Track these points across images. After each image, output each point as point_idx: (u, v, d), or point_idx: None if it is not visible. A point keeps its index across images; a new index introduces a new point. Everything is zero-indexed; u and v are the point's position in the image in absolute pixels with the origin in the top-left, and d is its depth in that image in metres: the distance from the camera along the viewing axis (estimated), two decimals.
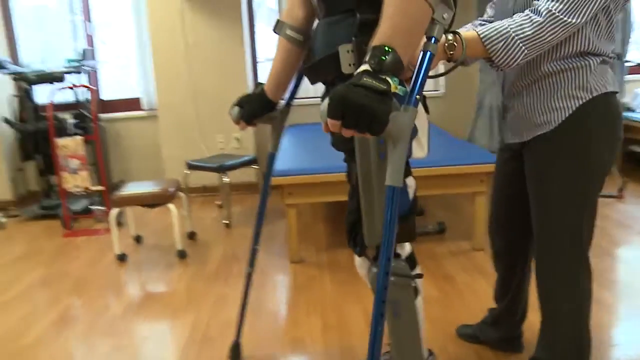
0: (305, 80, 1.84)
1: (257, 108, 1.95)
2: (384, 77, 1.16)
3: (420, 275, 1.68)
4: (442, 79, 5.58)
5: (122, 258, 3.66)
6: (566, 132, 1.67)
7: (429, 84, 5.55)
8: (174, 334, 2.61)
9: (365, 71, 1.17)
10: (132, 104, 5.62)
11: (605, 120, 1.67)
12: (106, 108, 5.61)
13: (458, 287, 2.90)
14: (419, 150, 1.62)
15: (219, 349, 2.44)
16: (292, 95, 2.06)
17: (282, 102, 2.03)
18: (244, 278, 3.14)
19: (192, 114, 5.18)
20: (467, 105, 5.49)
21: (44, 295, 3.18)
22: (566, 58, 1.63)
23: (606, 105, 1.66)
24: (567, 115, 1.65)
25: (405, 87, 1.23)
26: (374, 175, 1.55)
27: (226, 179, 4.29)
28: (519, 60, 1.52)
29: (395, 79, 1.18)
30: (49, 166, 4.87)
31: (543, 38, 1.50)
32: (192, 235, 4.06)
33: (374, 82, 1.15)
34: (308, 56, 1.82)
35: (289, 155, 3.77)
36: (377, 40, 1.22)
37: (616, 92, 1.68)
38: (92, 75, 5.50)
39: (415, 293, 1.68)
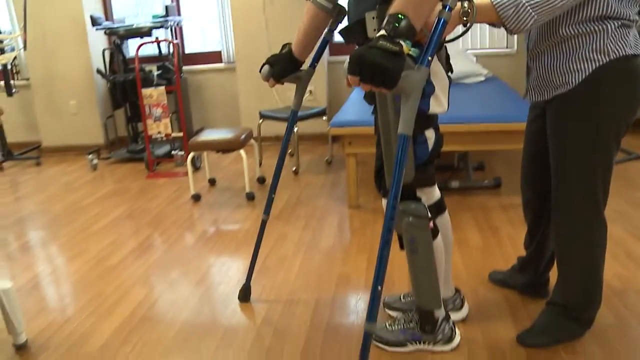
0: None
1: (285, 67, 2.12)
2: (397, 40, 1.35)
3: (432, 218, 1.84)
4: (514, 38, 5.52)
5: (196, 198, 4.00)
6: (583, 93, 1.76)
7: (500, 42, 5.52)
8: (236, 263, 2.91)
9: (381, 35, 1.38)
10: (213, 57, 5.94)
11: (623, 83, 1.75)
12: (188, 60, 5.96)
13: (501, 238, 3.02)
14: (437, 106, 1.77)
15: (272, 278, 2.72)
16: (317, 58, 2.20)
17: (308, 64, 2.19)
18: (299, 220, 3.41)
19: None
20: None
21: (127, 226, 3.57)
22: (585, 22, 1.71)
23: (625, 67, 1.73)
24: (584, 77, 1.74)
25: (419, 49, 1.40)
26: (392, 127, 1.72)
27: (297, 129, 4.53)
28: (529, 25, 1.62)
29: (408, 42, 1.37)
30: (136, 114, 5.29)
31: (552, 4, 1.59)
32: (261, 180, 4.35)
33: (388, 44, 1.35)
34: (341, 21, 2.00)
35: (350, 108, 3.95)
36: (392, 9, 1.41)
37: (638, 55, 1.75)
38: (177, 30, 5.84)
39: (433, 234, 1.85)
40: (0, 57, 5.23)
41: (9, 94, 5.45)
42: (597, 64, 1.72)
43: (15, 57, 5.55)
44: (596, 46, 1.72)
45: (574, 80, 1.76)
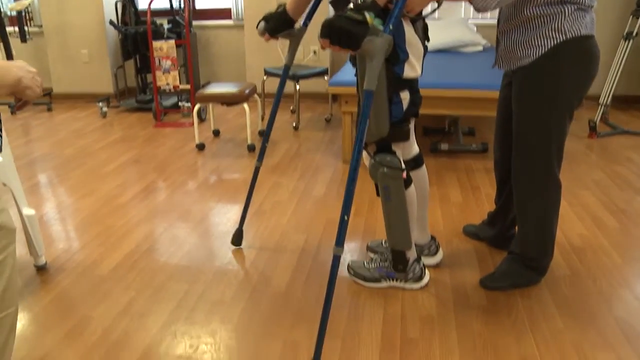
0: None
1: (279, 24, 2.31)
2: (362, 12, 1.64)
3: (405, 169, 2.07)
4: None
5: (200, 147, 4.25)
6: (541, 66, 1.99)
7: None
8: (234, 207, 3.17)
9: (349, 8, 1.68)
10: (223, 13, 6.10)
11: (578, 60, 1.97)
12: (199, 16, 6.13)
13: (479, 196, 3.28)
14: (411, 71, 2.00)
15: (267, 220, 2.98)
16: (309, 17, 2.38)
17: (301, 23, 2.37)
18: (295, 171, 3.65)
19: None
20: None
21: (134, 171, 3.83)
22: (545, 5, 1.93)
23: (580, 46, 1.96)
24: (543, 52, 1.97)
25: (381, 20, 1.67)
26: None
27: (298, 87, 4.74)
28: (492, 6, 1.85)
29: (372, 13, 1.65)
30: (145, 65, 5.50)
31: None
32: (262, 133, 4.59)
33: (353, 14, 1.66)
34: None
35: (348, 69, 4.15)
36: None
37: (592, 35, 1.97)
38: None
39: (406, 184, 2.10)
40: (15, 4, 5.42)
41: (23, 40, 5.64)
42: (555, 42, 1.94)
43: (29, 4, 5.72)
44: (555, 26, 1.94)
45: (534, 54, 1.98)
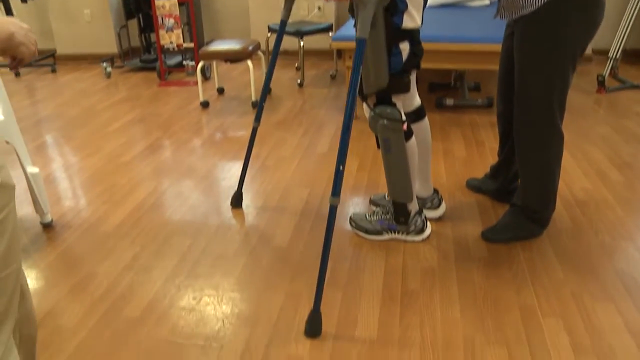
0: None
1: None
2: None
3: (405, 121, 2.06)
4: None
5: (205, 105, 4.24)
6: (543, 14, 1.94)
7: None
8: (238, 163, 3.17)
9: None
10: None
11: (581, 8, 1.92)
12: None
13: (484, 152, 3.26)
14: (410, 21, 1.97)
15: (270, 174, 2.99)
16: None
17: None
18: (300, 127, 3.64)
19: None
20: None
21: (139, 129, 3.83)
22: None
23: None
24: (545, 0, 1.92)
25: None
26: (368, 39, 1.92)
27: (302, 44, 4.69)
28: None
29: None
30: (148, 24, 5.44)
31: None
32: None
33: None
34: None
35: (351, 24, 4.08)
36: None
37: None
38: None
39: (407, 136, 2.09)
40: None
41: (23, 0, 5.59)
42: None
43: None
44: None
45: (536, 2, 1.94)
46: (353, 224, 2.39)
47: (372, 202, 2.60)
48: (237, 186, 2.70)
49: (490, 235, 2.33)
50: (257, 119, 2.55)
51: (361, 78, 2.11)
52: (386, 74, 1.98)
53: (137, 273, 2.16)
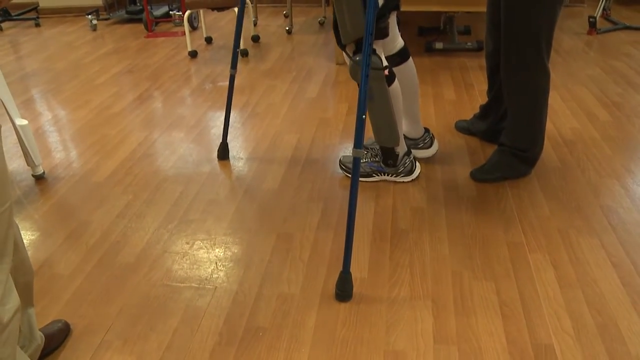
0: None
1: None
2: None
3: (387, 67, 2.03)
4: None
5: (193, 54, 4.20)
6: None
7: None
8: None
9: None
10: None
11: None
12: None
13: (474, 94, 3.26)
14: None
15: (260, 121, 3.00)
16: None
17: None
18: (289, 73, 3.62)
19: None
20: None
21: (127, 80, 3.80)
22: None
23: None
24: None
25: None
26: None
27: None
28: None
29: None
30: None
31: None
32: (255, 39, 4.52)
33: None
34: None
35: None
36: None
37: None
38: None
39: (389, 81, 2.06)
40: None
41: None
42: None
43: None
44: None
45: None
46: (342, 167, 2.41)
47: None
48: (223, 137, 2.67)
49: (478, 175, 2.36)
50: (234, 65, 2.50)
51: (335, 24, 2.05)
52: (362, 21, 1.93)
53: (130, 220, 2.19)
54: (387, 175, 2.33)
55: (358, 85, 2.10)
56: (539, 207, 2.16)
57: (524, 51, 2.08)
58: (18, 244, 1.34)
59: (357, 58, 1.97)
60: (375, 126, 2.16)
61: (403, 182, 2.35)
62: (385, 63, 2.03)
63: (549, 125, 2.80)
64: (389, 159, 2.27)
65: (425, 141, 2.49)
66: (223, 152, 2.65)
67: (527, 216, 2.10)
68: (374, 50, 2.01)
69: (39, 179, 2.55)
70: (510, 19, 2.06)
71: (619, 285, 1.74)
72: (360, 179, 2.35)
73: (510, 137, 2.31)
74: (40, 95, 3.62)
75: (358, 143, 1.72)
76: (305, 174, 2.46)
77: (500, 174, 2.34)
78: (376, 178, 2.35)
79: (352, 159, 2.37)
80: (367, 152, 2.40)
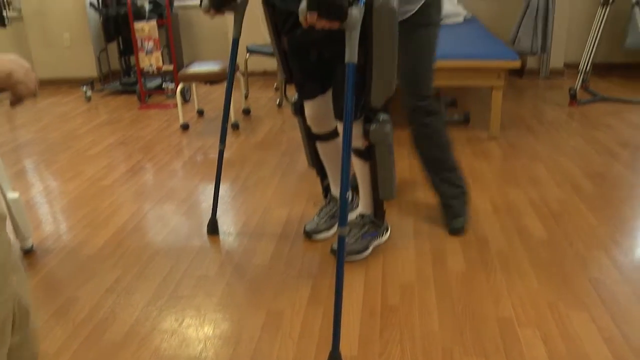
0: None
1: None
2: None
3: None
4: None
5: (185, 127, 4.27)
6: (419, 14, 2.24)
7: None
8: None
9: None
10: None
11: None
12: None
13: (461, 167, 3.30)
14: None
15: (251, 194, 3.03)
16: None
17: None
18: (280, 146, 3.68)
19: (256, 3, 5.58)
20: (518, 7, 5.55)
21: (120, 152, 3.85)
22: None
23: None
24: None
25: None
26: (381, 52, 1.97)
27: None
28: None
29: None
30: (128, 47, 5.48)
31: None
32: (246, 112, 4.61)
33: None
34: None
35: None
36: None
37: None
38: None
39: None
40: None
41: (2, 24, 5.59)
42: None
43: None
44: None
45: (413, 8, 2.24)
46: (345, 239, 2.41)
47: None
48: (212, 213, 2.66)
49: (456, 226, 2.50)
50: (222, 140, 2.51)
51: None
52: (395, 79, 2.02)
53: (119, 296, 2.18)
54: (380, 237, 2.40)
55: (369, 147, 2.14)
56: (528, 280, 2.17)
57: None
58: (28, 316, 1.33)
59: (385, 117, 2.09)
60: (384, 180, 2.21)
61: (385, 240, 2.44)
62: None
63: (536, 196, 2.86)
64: (380, 209, 2.36)
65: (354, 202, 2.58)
66: (212, 228, 2.64)
67: (516, 289, 2.11)
68: (385, 108, 2.09)
69: (28, 252, 2.55)
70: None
71: None
72: (357, 256, 2.35)
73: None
74: (33, 166, 3.66)
75: (342, 221, 1.76)
76: (295, 249, 2.47)
77: (457, 203, 2.52)
78: (371, 248, 2.37)
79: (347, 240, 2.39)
80: (351, 229, 2.38)
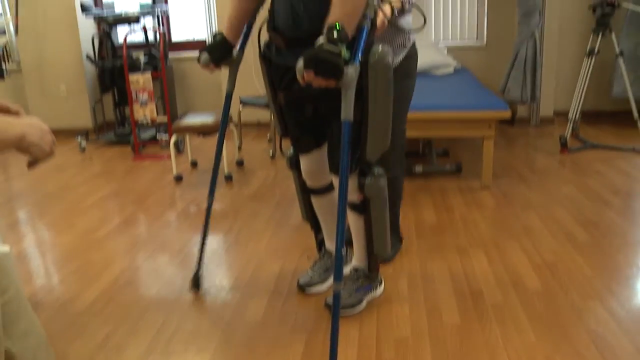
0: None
1: (223, 52, 2.29)
2: (337, 44, 1.70)
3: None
4: (484, 31, 5.79)
5: (178, 179, 4.28)
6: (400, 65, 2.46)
7: (471, 34, 5.80)
8: (212, 238, 3.18)
9: (325, 42, 1.71)
10: (198, 44, 6.17)
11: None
12: (174, 48, 6.20)
13: (454, 218, 3.33)
14: None
15: (243, 247, 3.01)
16: (244, 42, 2.36)
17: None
18: (273, 198, 3.68)
19: (250, 56, 5.67)
20: (507, 56, 5.67)
21: (114, 204, 3.84)
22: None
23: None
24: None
25: (349, 51, 1.75)
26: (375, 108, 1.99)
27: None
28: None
29: (343, 44, 1.71)
30: (123, 99, 5.54)
31: None
32: (239, 163, 4.63)
33: (332, 47, 1.70)
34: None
35: None
36: (330, 19, 1.77)
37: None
38: (163, 18, 6.07)
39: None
40: None
41: (1, 76, 5.66)
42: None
43: (6, 42, 5.75)
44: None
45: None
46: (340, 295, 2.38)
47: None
48: (196, 267, 2.61)
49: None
50: (211, 193, 2.51)
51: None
52: (390, 133, 2.05)
53: (109, 353, 2.14)
54: (373, 290, 2.38)
55: (361, 201, 2.15)
56: (524, 333, 2.15)
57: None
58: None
59: (380, 171, 2.10)
60: (379, 235, 2.20)
61: (379, 295, 2.42)
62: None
63: (530, 248, 2.86)
64: (374, 263, 2.33)
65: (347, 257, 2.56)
66: (195, 283, 2.58)
67: (513, 343, 2.09)
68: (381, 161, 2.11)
69: None
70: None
71: None
72: (351, 310, 2.33)
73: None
74: (25, 218, 3.64)
75: (338, 276, 1.75)
76: (289, 304, 2.45)
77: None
78: (365, 302, 2.35)
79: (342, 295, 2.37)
80: (345, 283, 2.35)
